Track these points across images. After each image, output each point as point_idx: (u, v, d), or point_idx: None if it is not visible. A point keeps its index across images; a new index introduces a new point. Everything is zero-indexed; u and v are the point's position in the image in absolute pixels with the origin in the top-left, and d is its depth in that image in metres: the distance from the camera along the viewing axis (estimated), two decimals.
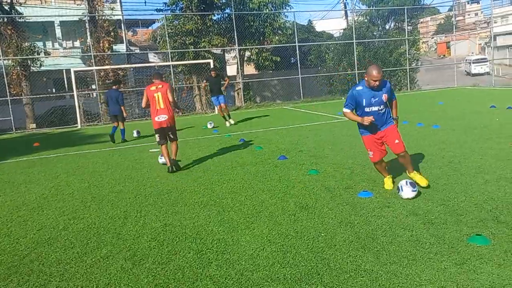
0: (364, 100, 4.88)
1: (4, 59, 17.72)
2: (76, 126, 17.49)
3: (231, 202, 5.14)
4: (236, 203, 5.08)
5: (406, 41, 22.20)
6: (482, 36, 59.41)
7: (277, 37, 21.86)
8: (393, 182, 5.25)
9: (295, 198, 5.11)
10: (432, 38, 47.96)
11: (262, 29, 21.48)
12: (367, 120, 4.80)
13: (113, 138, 11.20)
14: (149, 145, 10.49)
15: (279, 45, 21.72)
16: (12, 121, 17.19)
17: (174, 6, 20.70)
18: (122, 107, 11.34)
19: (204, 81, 13.96)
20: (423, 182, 4.99)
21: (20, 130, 17.65)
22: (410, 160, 5.17)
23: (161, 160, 7.69)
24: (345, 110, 5.08)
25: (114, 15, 21.25)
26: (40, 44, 23.50)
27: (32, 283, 3.37)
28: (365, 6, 25.69)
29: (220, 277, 3.21)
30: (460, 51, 46.04)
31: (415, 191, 4.66)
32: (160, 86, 7.28)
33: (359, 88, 4.95)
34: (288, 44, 21.89)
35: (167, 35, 19.14)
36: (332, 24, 38.28)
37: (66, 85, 24.18)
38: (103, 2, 21.74)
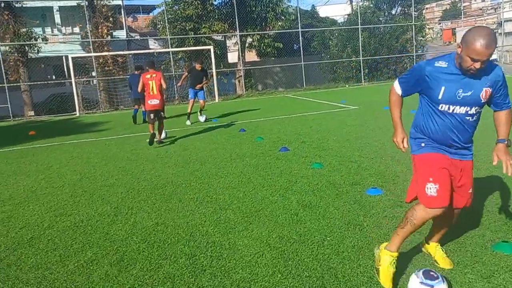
0: (443, 89, 2.62)
1: (1, 45, 17.29)
2: (74, 114, 17.14)
3: (228, 199, 4.79)
4: (233, 200, 4.73)
5: (413, 27, 21.60)
6: (489, 23, 58.32)
7: (279, 23, 21.26)
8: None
9: (297, 195, 4.76)
10: (439, 24, 47.13)
11: (264, 15, 20.90)
12: (400, 143, 2.91)
13: (135, 119, 12.26)
14: (148, 134, 10.12)
15: (281, 31, 21.14)
16: (10, 109, 16.85)
17: None
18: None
19: (186, 72, 11.97)
20: (445, 263, 2.93)
21: (18, 118, 17.32)
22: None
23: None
24: (395, 86, 2.92)
25: (113, 0, 20.67)
26: (39, 30, 23.05)
27: None
28: None
29: None
30: None
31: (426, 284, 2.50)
32: (154, 75, 8.61)
33: (440, 64, 2.66)
34: (290, 30, 21.32)
35: (166, 21, 18.63)
36: (336, 10, 37.53)
37: (66, 72, 23.77)
38: None
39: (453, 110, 2.65)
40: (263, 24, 21.47)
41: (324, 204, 4.37)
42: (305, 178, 5.38)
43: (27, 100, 18.39)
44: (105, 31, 19.16)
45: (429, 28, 23.42)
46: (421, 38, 22.31)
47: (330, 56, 22.91)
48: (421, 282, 2.48)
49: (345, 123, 9.47)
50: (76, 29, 27.50)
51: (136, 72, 12.03)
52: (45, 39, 19.84)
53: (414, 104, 3.09)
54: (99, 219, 4.43)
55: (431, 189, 2.60)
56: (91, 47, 18.55)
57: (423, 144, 2.81)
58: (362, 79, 21.31)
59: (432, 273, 2.51)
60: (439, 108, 2.69)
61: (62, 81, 21.21)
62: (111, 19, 19.55)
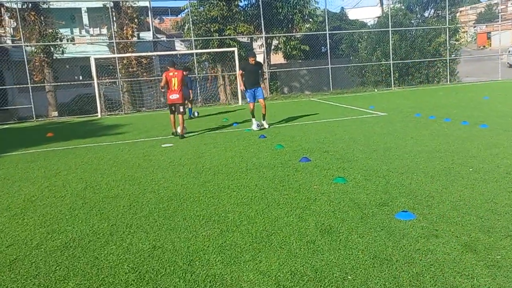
0: None
1: (26, 45, 17.39)
2: (96, 115, 17.03)
3: (238, 218, 4.25)
4: (243, 220, 4.19)
5: (447, 30, 20.52)
6: None
7: (307, 25, 20.60)
8: None
9: (316, 216, 4.17)
10: (474, 27, 45.21)
11: (291, 16, 20.30)
12: None
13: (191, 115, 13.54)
14: (163, 139, 9.74)
15: (308, 33, 20.49)
16: (33, 109, 16.91)
17: None
18: (190, 91, 13.41)
19: (240, 70, 10.69)
20: None
21: (41, 118, 17.36)
22: None
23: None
24: None
25: (138, 1, 20.53)
26: (66, 31, 23.22)
27: None
28: None
29: None
30: (504, 41, 43.21)
31: None
32: (176, 73, 9.76)
33: None
34: (318, 32, 20.65)
35: (191, 22, 18.32)
36: (366, 12, 36.53)
37: (92, 73, 23.86)
38: None
39: None
40: (290, 26, 20.88)
41: (346, 230, 3.77)
42: (325, 195, 4.79)
43: (51, 101, 18.46)
44: (130, 32, 19.03)
45: (463, 32, 22.21)
46: (454, 41, 21.16)
47: (358, 59, 22.06)
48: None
49: (373, 131, 8.78)
50: (104, 31, 27.70)
51: (184, 73, 10.84)
52: (71, 40, 19.90)
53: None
54: (92, 239, 3.98)
55: None
56: (115, 48, 18.45)
57: None
58: (392, 83, 20.40)
59: None
60: None
61: (86, 82, 21.21)
62: (136, 20, 19.40)
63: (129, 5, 19.51)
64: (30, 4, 17.96)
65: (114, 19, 18.57)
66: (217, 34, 18.93)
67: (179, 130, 9.74)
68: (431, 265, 3.04)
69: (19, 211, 4.98)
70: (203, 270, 3.20)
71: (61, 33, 18.97)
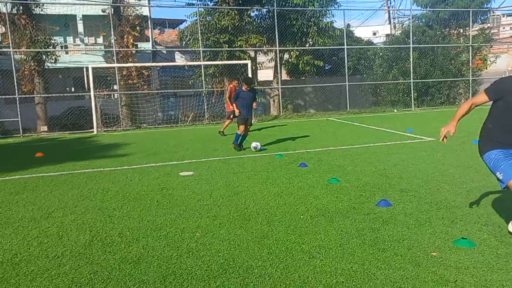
0: None
1: (14, 51, 15.62)
2: (91, 131, 15.24)
3: None
4: None
5: (470, 48, 19.31)
6: None
7: (320, 39, 19.17)
8: None
9: None
10: (491, 46, 44.88)
11: (305, 29, 18.88)
12: None
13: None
14: (179, 164, 8.03)
15: (326, 47, 19.03)
16: (20, 123, 15.06)
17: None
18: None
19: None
20: None
21: (28, 133, 15.48)
22: None
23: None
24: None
25: (141, 6, 18.96)
26: (60, 38, 21.52)
27: None
28: (419, 7, 22.86)
29: None
30: (500, 65, 42.88)
31: None
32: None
33: None
34: (336, 47, 19.23)
35: (199, 32, 16.75)
36: (368, 32, 35.47)
37: (86, 84, 22.12)
38: None
39: None
40: (304, 39, 19.46)
41: None
42: (466, 274, 3.14)
43: (41, 114, 16.59)
44: (131, 41, 17.40)
45: (486, 50, 21.06)
46: (478, 61, 19.94)
47: (373, 77, 20.68)
48: None
49: (440, 162, 7.21)
50: (99, 40, 26.06)
51: (243, 89, 9.27)
52: (64, 47, 18.19)
53: None
54: None
55: None
56: (114, 57, 16.78)
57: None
58: (412, 103, 19.01)
59: None
60: None
61: (81, 94, 19.48)
62: (138, 28, 17.81)
63: (130, 12, 17.93)
64: (22, 7, 16.27)
65: (114, 26, 16.92)
66: (226, 45, 17.38)
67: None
68: None
69: None
70: None
71: (54, 40, 17.25)
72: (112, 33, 16.80)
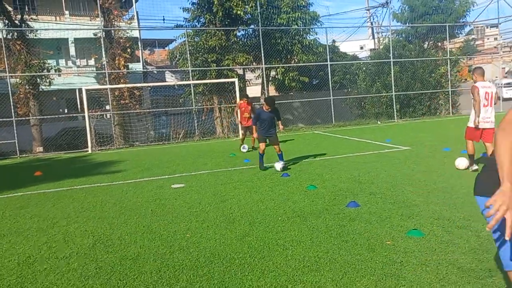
0: None
1: (10, 75, 16.22)
2: (86, 151, 15.79)
3: None
4: None
5: (448, 61, 20.28)
6: (506, 60, 57.36)
7: (304, 56, 20.06)
8: None
9: (408, 284, 3.15)
10: (470, 58, 46.04)
11: (289, 47, 19.77)
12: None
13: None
14: (171, 178, 8.64)
15: (309, 64, 19.90)
16: (17, 144, 15.57)
17: (195, 21, 19.19)
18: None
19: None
20: None
21: (25, 154, 15.99)
22: None
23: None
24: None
25: (131, 29, 19.75)
26: (52, 61, 22.17)
27: None
28: (399, 23, 23.94)
29: None
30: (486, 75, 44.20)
31: None
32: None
33: None
34: (320, 63, 20.09)
35: (188, 52, 17.54)
36: (354, 46, 36.63)
37: (78, 105, 22.71)
38: (120, 17, 20.40)
39: None
40: (289, 56, 20.34)
41: None
42: (411, 256, 3.78)
43: (36, 135, 17.14)
44: (122, 62, 18.10)
45: (463, 63, 22.07)
46: (456, 73, 20.92)
47: (357, 91, 21.56)
48: None
49: (410, 168, 7.90)
50: (91, 62, 26.76)
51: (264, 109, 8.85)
52: (58, 71, 18.84)
53: None
54: None
55: None
56: (106, 79, 17.44)
57: None
58: (395, 115, 19.85)
59: None
60: None
61: (74, 114, 20.06)
62: (128, 50, 18.53)
63: (122, 35, 18.68)
64: (16, 33, 16.94)
65: (106, 49, 17.62)
66: (214, 64, 18.16)
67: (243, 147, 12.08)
68: None
69: (13, 281, 3.81)
70: None
71: (48, 63, 17.90)
72: (104, 55, 17.49)
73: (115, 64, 18.11)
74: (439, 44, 21.76)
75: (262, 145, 8.82)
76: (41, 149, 16.76)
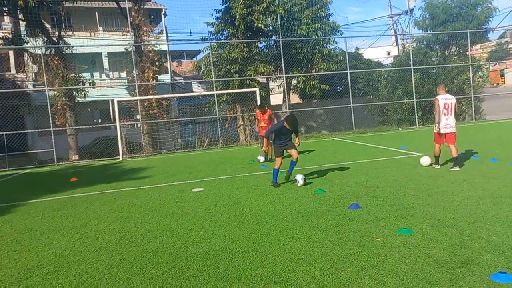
0: None
1: (49, 89, 17.47)
2: (118, 158, 16.77)
3: (302, 280, 3.72)
4: (310, 282, 3.65)
5: (470, 67, 20.24)
6: None
7: (325, 64, 20.52)
8: None
9: (395, 278, 3.61)
10: (495, 64, 45.01)
11: (310, 56, 20.29)
12: None
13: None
14: (192, 183, 9.30)
15: (328, 72, 20.35)
16: (54, 153, 16.72)
17: (219, 34, 20.03)
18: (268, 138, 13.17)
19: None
20: None
21: (62, 162, 17.14)
22: None
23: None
24: None
25: (159, 44, 20.80)
26: (87, 75, 23.54)
27: None
28: (420, 31, 24.03)
29: None
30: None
31: None
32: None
33: None
34: (339, 71, 20.52)
35: (212, 64, 18.36)
36: (379, 52, 36.74)
37: (111, 116, 23.98)
38: (149, 32, 21.51)
39: None
40: (309, 66, 20.85)
41: None
42: (395, 251, 4.23)
43: (72, 144, 18.32)
44: (151, 75, 19.10)
45: (487, 69, 21.92)
46: (479, 79, 20.80)
47: (379, 98, 21.78)
48: None
49: (418, 173, 8.24)
50: (123, 74, 28.13)
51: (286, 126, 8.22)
52: (92, 84, 20.07)
53: None
54: None
55: None
56: (136, 91, 18.47)
57: None
58: (416, 122, 19.94)
59: None
60: None
61: (107, 124, 21.24)
62: (157, 63, 19.54)
63: (151, 49, 19.72)
64: (54, 50, 18.22)
65: (136, 62, 18.68)
66: (237, 75, 18.89)
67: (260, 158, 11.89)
68: None
69: (51, 269, 4.50)
70: None
71: (83, 77, 19.13)
72: (134, 69, 18.54)
73: (144, 77, 19.12)
74: (460, 50, 21.70)
75: (278, 160, 8.24)
76: (76, 157, 17.89)
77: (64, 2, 19.03)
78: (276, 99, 26.70)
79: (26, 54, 21.05)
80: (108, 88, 25.18)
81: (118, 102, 16.99)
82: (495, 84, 57.57)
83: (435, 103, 8.61)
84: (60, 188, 10.01)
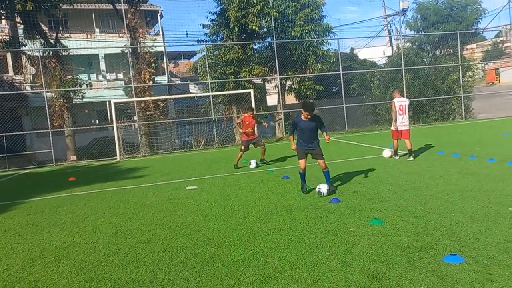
0: None
1: (47, 90, 17.87)
2: (115, 159, 17.18)
3: (278, 263, 4.15)
4: (284, 265, 4.09)
5: (460, 67, 20.72)
6: None
7: (319, 65, 20.99)
8: None
9: (359, 260, 4.05)
10: (486, 64, 45.45)
11: (304, 58, 20.75)
12: None
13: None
14: (186, 181, 9.73)
15: (322, 73, 20.82)
16: (53, 153, 17.12)
17: (214, 36, 20.46)
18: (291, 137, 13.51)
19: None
20: None
21: (60, 162, 17.54)
22: None
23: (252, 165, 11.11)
24: None
25: (156, 46, 21.23)
26: (84, 76, 23.94)
27: None
28: (412, 32, 24.51)
29: None
30: (509, 78, 43.49)
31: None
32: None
33: None
34: (331, 72, 20.98)
35: (207, 65, 18.79)
36: (375, 52, 37.16)
37: (108, 117, 24.39)
38: (145, 34, 21.93)
39: None
40: (303, 67, 21.30)
41: (395, 275, 3.65)
42: (365, 238, 4.67)
43: (70, 145, 18.72)
44: (148, 76, 19.52)
45: (476, 69, 22.42)
46: (469, 79, 21.28)
47: (372, 98, 22.24)
48: None
49: (399, 171, 8.69)
50: (120, 75, 28.52)
51: (302, 118, 7.32)
52: (89, 85, 20.47)
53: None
54: (132, 287, 3.89)
55: None
56: (133, 92, 18.88)
57: None
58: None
59: None
60: None
61: (105, 125, 21.65)
62: (153, 65, 19.96)
63: (147, 51, 20.13)
64: (51, 52, 18.62)
65: (132, 64, 19.10)
66: (232, 76, 19.33)
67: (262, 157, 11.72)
68: None
69: (52, 259, 4.93)
70: None
71: (80, 79, 19.53)
72: (131, 70, 18.95)
73: (141, 78, 19.54)
74: (451, 51, 22.17)
75: (302, 163, 7.31)
76: (74, 157, 18.30)
77: (61, 5, 19.41)
78: (272, 99, 27.18)
79: (23, 56, 21.44)
80: (105, 89, 25.58)
81: (115, 103, 17.39)
82: (490, 83, 58.11)
83: (391, 106, 10.27)
84: (59, 187, 10.42)
